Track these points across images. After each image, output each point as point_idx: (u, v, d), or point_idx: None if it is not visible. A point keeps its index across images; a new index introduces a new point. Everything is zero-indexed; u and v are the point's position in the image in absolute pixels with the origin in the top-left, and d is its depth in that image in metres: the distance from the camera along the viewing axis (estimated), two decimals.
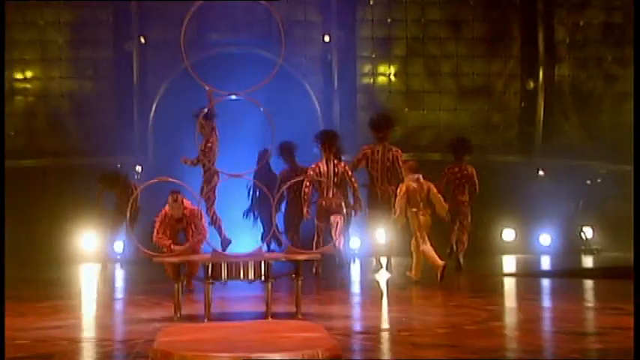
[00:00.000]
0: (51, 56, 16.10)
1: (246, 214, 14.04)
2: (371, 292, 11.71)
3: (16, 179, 15.54)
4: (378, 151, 12.82)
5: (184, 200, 10.77)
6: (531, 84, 16.61)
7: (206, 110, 10.88)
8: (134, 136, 16.01)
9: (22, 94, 16.20)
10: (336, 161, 12.55)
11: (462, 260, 13.41)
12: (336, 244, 12.10)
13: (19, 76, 16.17)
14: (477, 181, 13.66)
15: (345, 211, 12.41)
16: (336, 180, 12.41)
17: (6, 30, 15.91)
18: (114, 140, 16.05)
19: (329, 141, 12.52)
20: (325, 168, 12.46)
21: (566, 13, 16.59)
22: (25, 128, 16.16)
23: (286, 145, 13.19)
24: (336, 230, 12.36)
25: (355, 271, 14.00)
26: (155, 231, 10.87)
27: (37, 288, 12.29)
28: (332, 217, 12.41)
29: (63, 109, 16.22)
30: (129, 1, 15.96)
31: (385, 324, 8.91)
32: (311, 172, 12.38)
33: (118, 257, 14.77)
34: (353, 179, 12.48)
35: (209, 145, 11.98)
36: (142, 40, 16.05)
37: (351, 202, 12.62)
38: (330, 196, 12.48)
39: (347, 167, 12.59)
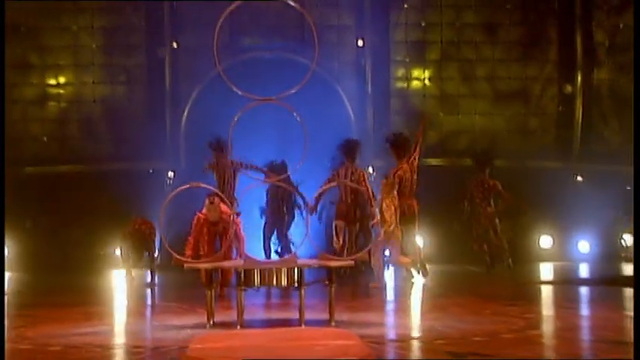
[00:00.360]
0: (84, 62, 16.16)
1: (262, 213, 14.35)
2: (405, 299, 11.59)
3: (49, 185, 15.63)
4: (406, 170, 12.97)
5: (221, 204, 10.74)
6: (569, 88, 16.36)
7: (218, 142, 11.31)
8: (166, 142, 16.01)
9: (55, 99, 16.27)
10: (353, 169, 12.87)
11: (510, 262, 14.25)
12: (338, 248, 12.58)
13: (52, 81, 16.24)
14: (502, 190, 14.08)
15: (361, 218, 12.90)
16: (352, 186, 12.67)
17: (40, 35, 16.02)
18: (146, 146, 16.06)
19: (352, 150, 12.91)
20: (344, 174, 12.75)
21: (606, 16, 16.33)
22: (57, 134, 16.22)
23: (275, 165, 13.56)
24: (339, 234, 12.89)
25: (389, 277, 13.88)
26: (189, 236, 10.88)
27: (70, 294, 12.31)
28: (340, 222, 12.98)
29: (95, 114, 16.27)
30: (162, 0, 15.96)
31: (420, 332, 8.79)
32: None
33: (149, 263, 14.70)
34: (366, 185, 12.73)
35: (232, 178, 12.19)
36: (175, 46, 16.06)
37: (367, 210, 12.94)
38: (349, 201, 12.97)
39: (364, 174, 12.93)
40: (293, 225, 14.39)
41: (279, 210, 14.27)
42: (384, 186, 12.19)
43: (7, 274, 14.55)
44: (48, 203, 15.49)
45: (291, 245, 14.13)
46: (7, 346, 8.02)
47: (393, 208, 12.01)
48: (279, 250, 14.27)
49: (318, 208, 13.37)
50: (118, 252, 13.63)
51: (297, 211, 14.34)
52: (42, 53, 16.10)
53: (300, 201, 14.01)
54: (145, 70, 16.24)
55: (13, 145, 16.09)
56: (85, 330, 8.75)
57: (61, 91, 16.29)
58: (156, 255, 13.19)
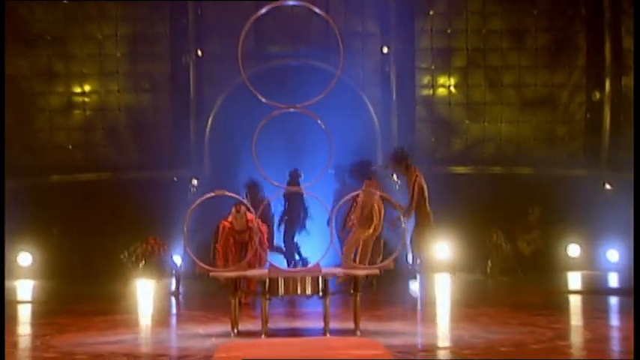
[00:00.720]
0: (109, 70, 16.19)
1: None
2: (432, 308, 11.49)
3: (75, 193, 15.67)
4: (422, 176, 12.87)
5: (247, 212, 10.67)
6: (597, 95, 16.13)
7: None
8: (191, 149, 16.00)
9: (80, 107, 16.30)
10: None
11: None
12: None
13: (77, 90, 16.27)
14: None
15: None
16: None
17: (65, 44, 16.07)
18: (171, 153, 16.06)
19: (367, 171, 12.65)
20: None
21: (635, 22, 16.08)
22: (83, 142, 16.25)
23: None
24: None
25: (415, 286, 13.77)
26: (216, 244, 10.82)
27: (96, 302, 12.31)
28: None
29: (120, 122, 16.29)
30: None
31: (447, 342, 8.69)
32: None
33: (174, 272, 14.68)
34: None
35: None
36: (199, 53, 16.05)
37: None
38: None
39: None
40: (298, 232, 14.29)
41: (289, 217, 14.16)
42: (368, 187, 11.93)
43: (32, 282, 14.61)
44: (73, 211, 15.52)
45: (299, 251, 14.10)
46: (33, 354, 8.04)
47: (383, 211, 11.78)
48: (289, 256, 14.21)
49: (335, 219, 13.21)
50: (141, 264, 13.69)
51: (306, 220, 14.23)
52: (67, 62, 16.14)
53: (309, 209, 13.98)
54: (170, 78, 16.23)
55: (38, 153, 16.16)
56: (110, 338, 8.75)
57: (86, 100, 16.32)
58: (179, 265, 13.18)
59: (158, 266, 13.16)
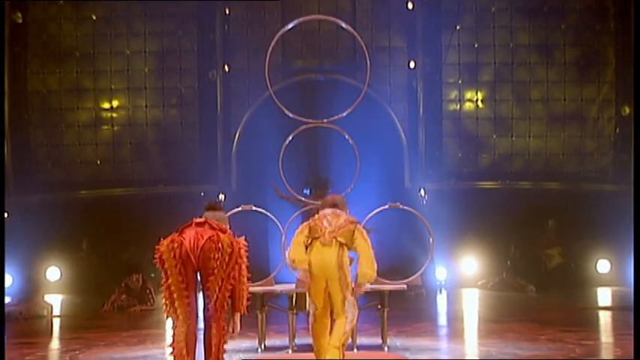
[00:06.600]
0: (137, 85, 16.26)
1: None
2: (459, 324, 11.41)
3: (102, 208, 15.73)
4: None
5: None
6: (627, 109, 15.96)
7: None
8: (218, 164, 16.02)
9: (108, 123, 16.38)
10: None
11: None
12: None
13: (105, 105, 16.37)
14: None
15: None
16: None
17: (94, 60, 16.19)
18: (198, 168, 16.09)
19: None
20: None
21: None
22: (111, 157, 16.32)
23: None
24: None
25: (442, 302, 13.71)
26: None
27: (123, 317, 12.33)
28: None
29: (148, 137, 16.34)
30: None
31: (475, 357, 8.61)
32: None
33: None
34: None
35: None
36: (226, 69, 16.10)
37: None
38: None
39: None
40: None
41: None
42: None
43: (60, 297, 14.66)
44: (101, 226, 15.58)
45: None
46: None
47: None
48: None
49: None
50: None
51: None
52: (96, 77, 16.25)
53: None
54: (197, 93, 16.27)
55: (67, 168, 16.26)
56: (138, 354, 8.76)
57: (114, 115, 16.39)
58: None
59: (142, 298, 13.17)
